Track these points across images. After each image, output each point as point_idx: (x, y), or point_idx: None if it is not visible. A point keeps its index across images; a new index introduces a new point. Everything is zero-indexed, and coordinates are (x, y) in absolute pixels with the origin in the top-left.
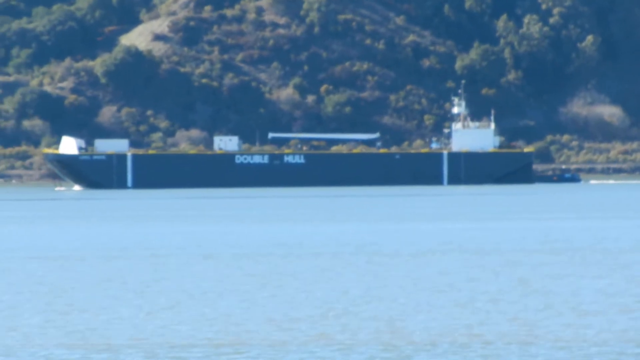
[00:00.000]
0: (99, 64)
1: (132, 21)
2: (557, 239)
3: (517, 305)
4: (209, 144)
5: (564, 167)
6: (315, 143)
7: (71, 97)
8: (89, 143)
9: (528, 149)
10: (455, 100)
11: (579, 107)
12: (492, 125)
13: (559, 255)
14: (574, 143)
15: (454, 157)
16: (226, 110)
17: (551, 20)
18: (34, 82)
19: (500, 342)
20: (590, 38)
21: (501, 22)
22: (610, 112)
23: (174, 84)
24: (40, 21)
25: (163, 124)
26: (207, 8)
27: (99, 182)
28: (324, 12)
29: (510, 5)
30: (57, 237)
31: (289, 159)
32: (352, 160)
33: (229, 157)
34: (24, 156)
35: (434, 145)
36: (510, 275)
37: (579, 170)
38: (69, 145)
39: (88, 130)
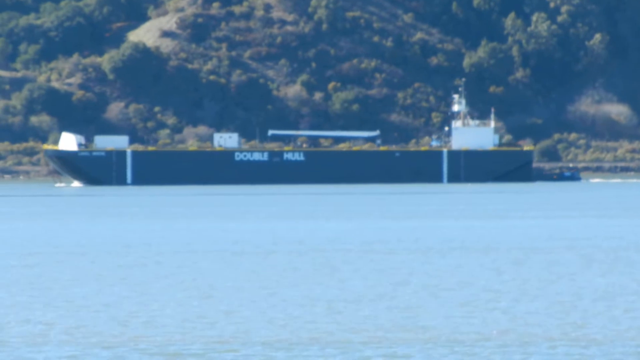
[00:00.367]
0: (106, 60)
1: (140, 17)
2: (553, 237)
3: (516, 303)
4: None
5: (571, 165)
6: (322, 141)
7: (79, 93)
8: (91, 140)
9: (528, 147)
10: (456, 98)
11: (587, 105)
12: (492, 124)
13: (561, 253)
14: (581, 141)
15: (454, 155)
16: (234, 107)
17: (559, 19)
18: (42, 78)
19: (501, 341)
20: (598, 36)
21: (509, 20)
22: (617, 110)
23: (182, 80)
24: (48, 17)
25: (170, 120)
26: (215, 5)
27: (99, 178)
28: (332, 9)
29: (519, 3)
30: (50, 234)
31: (288, 156)
32: (352, 158)
33: (228, 154)
34: (32, 152)
35: (434, 143)
36: (512, 273)
37: (586, 168)
38: (68, 142)
39: (95, 126)
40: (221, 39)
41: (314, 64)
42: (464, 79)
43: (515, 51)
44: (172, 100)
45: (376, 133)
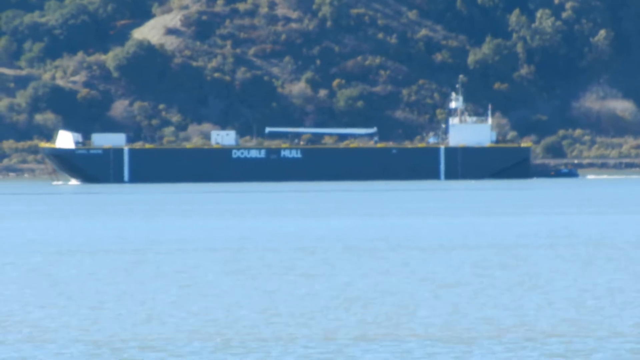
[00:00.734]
0: (111, 58)
1: (145, 15)
2: (545, 233)
3: (517, 300)
4: None
5: (576, 161)
6: (327, 138)
7: (83, 91)
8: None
9: (525, 144)
10: (453, 95)
11: (591, 101)
12: (489, 120)
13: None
14: (586, 138)
15: (451, 151)
16: (238, 104)
17: (564, 15)
18: (47, 76)
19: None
20: (602, 32)
21: (514, 17)
22: (622, 106)
23: (186, 78)
24: (52, 15)
25: (175, 118)
26: (220, 2)
27: (96, 176)
28: (337, 7)
29: None
30: (46, 232)
31: (285, 153)
32: (349, 155)
33: (226, 151)
34: (36, 150)
35: (432, 140)
36: (511, 271)
37: (591, 165)
38: (65, 140)
39: (100, 124)
40: (226, 37)
41: (318, 61)
42: (462, 76)
43: (519, 48)
44: (176, 97)
45: (373, 130)
